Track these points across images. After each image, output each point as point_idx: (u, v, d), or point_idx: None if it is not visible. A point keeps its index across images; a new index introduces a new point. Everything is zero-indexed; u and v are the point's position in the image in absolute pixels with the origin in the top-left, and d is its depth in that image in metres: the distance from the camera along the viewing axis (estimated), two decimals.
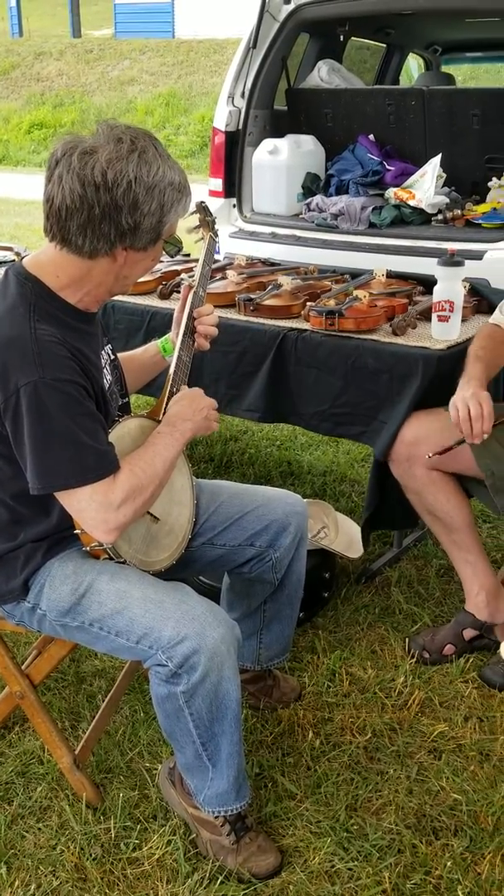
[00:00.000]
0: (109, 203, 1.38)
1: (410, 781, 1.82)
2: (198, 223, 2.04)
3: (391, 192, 3.90)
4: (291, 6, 3.96)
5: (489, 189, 3.96)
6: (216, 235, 2.05)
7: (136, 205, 1.40)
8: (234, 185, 4.11)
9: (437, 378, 2.22)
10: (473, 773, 1.84)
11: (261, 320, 2.50)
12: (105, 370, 1.59)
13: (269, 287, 2.65)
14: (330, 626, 2.35)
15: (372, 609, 2.43)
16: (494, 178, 3.97)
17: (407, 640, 2.27)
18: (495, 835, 1.69)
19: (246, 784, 1.62)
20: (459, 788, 1.80)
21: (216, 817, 1.61)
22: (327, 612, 2.41)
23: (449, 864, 1.62)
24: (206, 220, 2.04)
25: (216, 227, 2.09)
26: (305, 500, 2.59)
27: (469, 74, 13.08)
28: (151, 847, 1.66)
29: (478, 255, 3.55)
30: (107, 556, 1.52)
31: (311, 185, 4.13)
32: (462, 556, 2.24)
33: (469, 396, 1.97)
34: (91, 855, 1.66)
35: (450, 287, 2.29)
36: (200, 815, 1.63)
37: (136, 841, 1.68)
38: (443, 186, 4.00)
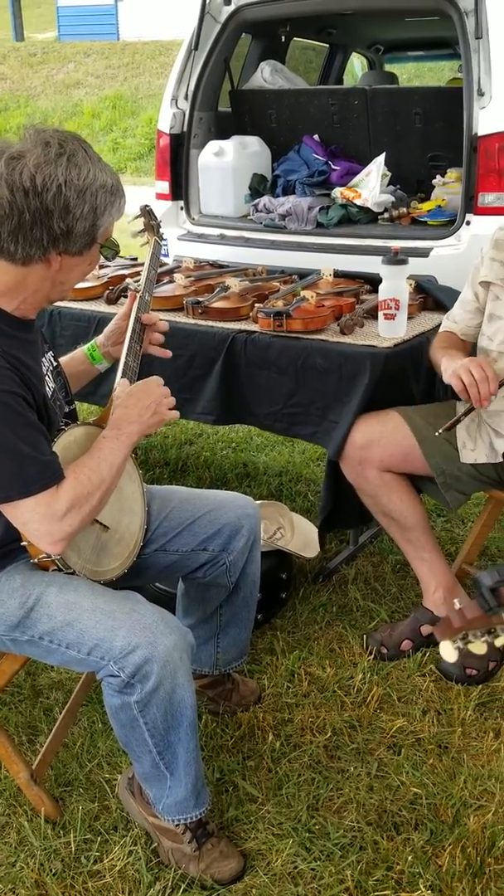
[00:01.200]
0: (39, 208, 1.36)
1: (371, 778, 1.83)
2: (142, 227, 2.03)
3: (337, 192, 3.93)
4: (232, 7, 3.96)
5: (433, 187, 4.01)
6: (161, 239, 2.05)
7: (68, 209, 1.38)
8: (181, 188, 4.10)
9: (385, 376, 2.24)
10: (432, 766, 1.86)
11: (209, 323, 2.49)
12: (47, 378, 1.57)
13: (217, 289, 2.65)
14: (288, 627, 2.35)
15: (330, 608, 2.44)
16: (438, 176, 4.02)
17: (365, 637, 2.28)
18: (455, 827, 1.70)
19: (205, 790, 1.61)
20: (419, 782, 1.82)
21: (176, 825, 1.60)
22: (285, 612, 2.41)
23: (410, 858, 1.63)
24: (151, 223, 2.03)
25: (161, 230, 2.08)
26: (261, 501, 2.61)
27: (414, 73, 13.22)
28: (112, 859, 1.65)
29: (424, 253, 3.60)
30: (55, 567, 1.50)
31: (258, 187, 4.14)
32: (418, 555, 2.26)
33: (467, 362, 1.97)
34: (51, 870, 1.63)
35: (395, 285, 2.31)
36: (161, 823, 1.62)
37: (97, 853, 1.67)
38: (388, 185, 4.04)
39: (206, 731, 1.95)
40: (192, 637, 1.53)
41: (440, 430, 2.05)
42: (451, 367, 2.00)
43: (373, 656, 2.21)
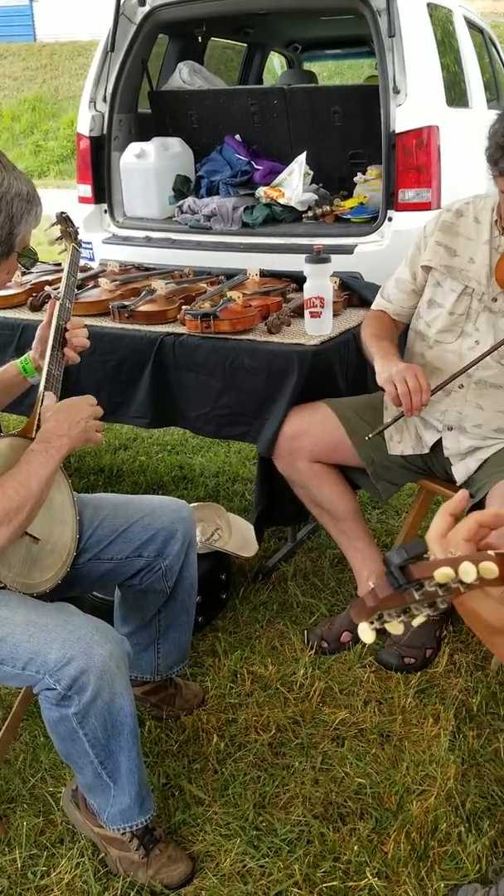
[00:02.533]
0: None
1: (316, 772, 1.86)
2: (59, 234, 2.01)
3: (261, 192, 3.96)
4: (147, 8, 3.95)
5: (355, 184, 4.07)
6: (80, 246, 2.03)
7: None
8: (103, 191, 4.07)
9: (312, 373, 2.27)
10: (375, 755, 1.89)
11: (137, 327, 2.48)
12: None
13: (143, 293, 2.63)
14: (230, 627, 2.36)
15: (270, 606, 2.45)
16: (359, 174, 4.09)
17: (305, 632, 2.30)
18: (399, 813, 1.74)
19: (149, 797, 1.61)
20: (363, 772, 1.84)
21: (123, 833, 1.59)
22: (226, 613, 2.42)
23: (356, 847, 1.66)
24: (68, 230, 2.00)
25: (79, 237, 2.06)
26: (197, 503, 2.61)
27: (334, 70, 13.35)
28: (60, 872, 1.63)
29: (349, 250, 3.65)
30: None
31: (182, 188, 4.14)
32: (350, 544, 2.30)
33: (402, 370, 1.96)
34: None
35: (319, 283, 2.33)
36: (106, 833, 1.61)
37: (44, 868, 1.65)
38: (311, 184, 4.08)
39: (149, 737, 1.95)
40: (128, 645, 1.52)
41: (369, 436, 2.08)
42: (385, 372, 1.98)
43: (314, 651, 2.23)
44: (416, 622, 0.84)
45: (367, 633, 0.82)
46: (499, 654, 0.92)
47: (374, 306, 2.31)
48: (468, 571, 0.80)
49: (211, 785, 1.83)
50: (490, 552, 0.88)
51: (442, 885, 1.58)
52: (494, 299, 2.00)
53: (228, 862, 1.64)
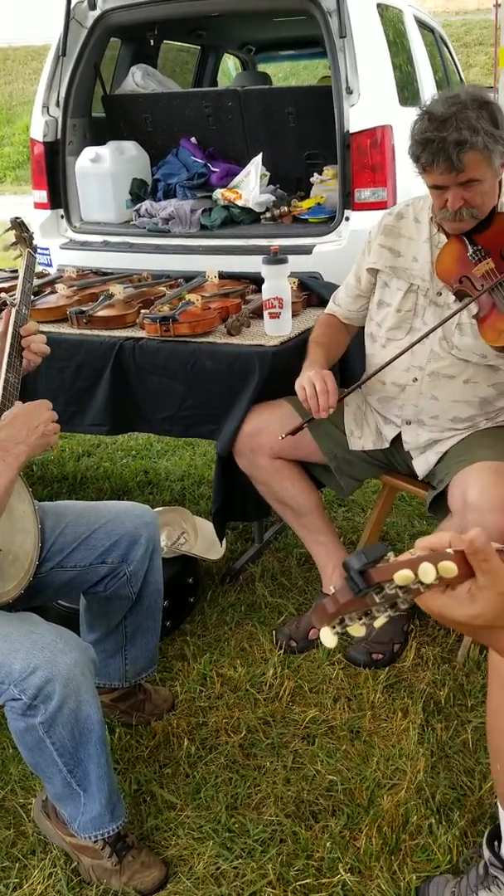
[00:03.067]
0: None
1: (287, 771, 1.86)
2: (14, 240, 1.99)
3: (218, 194, 3.95)
4: (97, 12, 3.93)
5: (312, 185, 4.09)
6: (35, 251, 2.01)
7: None
8: (59, 196, 4.04)
9: (273, 373, 2.27)
10: (346, 752, 1.90)
11: (95, 332, 2.47)
12: None
13: (101, 298, 2.62)
14: (198, 631, 2.35)
15: (238, 607, 2.46)
16: (316, 174, 4.10)
17: (274, 632, 2.31)
18: (370, 808, 1.75)
19: (120, 803, 1.60)
20: (334, 769, 1.86)
21: (95, 841, 1.58)
22: (194, 616, 2.42)
23: (329, 844, 1.67)
24: (23, 236, 1.99)
25: (35, 242, 2.05)
26: (162, 507, 2.61)
27: (290, 71, 13.39)
28: (33, 883, 1.62)
29: (307, 250, 3.67)
30: None
31: (139, 191, 4.12)
32: (314, 539, 2.31)
33: (312, 375, 2.05)
34: None
35: (277, 284, 2.34)
36: (78, 842, 1.60)
37: (17, 879, 1.63)
38: (268, 185, 4.09)
39: (120, 744, 1.94)
40: (93, 652, 1.51)
41: (282, 436, 2.11)
42: (302, 375, 2.08)
43: (283, 650, 2.24)
44: (378, 623, 0.85)
45: (329, 637, 0.82)
46: (485, 643, 0.95)
47: (326, 311, 2.36)
48: (427, 572, 0.81)
49: (182, 789, 1.82)
50: (449, 550, 0.88)
51: (414, 877, 1.59)
52: (439, 293, 2.04)
53: (202, 865, 1.64)
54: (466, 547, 0.87)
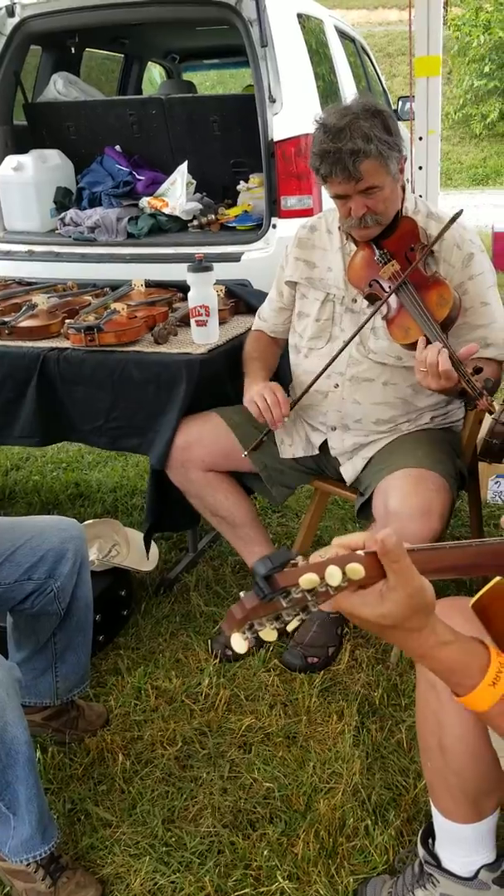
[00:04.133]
0: None
1: (224, 781, 1.85)
2: None
3: (145, 202, 3.94)
4: (16, 19, 3.88)
5: (239, 192, 4.11)
6: None
7: None
8: None
9: (201, 381, 2.27)
10: (282, 758, 1.90)
11: (18, 343, 2.42)
12: None
13: (24, 308, 2.58)
14: (132, 644, 2.32)
15: (173, 618, 2.44)
16: (242, 182, 4.12)
17: (209, 641, 2.30)
18: (307, 813, 1.75)
19: (52, 824, 1.57)
20: (271, 776, 1.85)
21: (27, 865, 1.54)
22: (128, 629, 2.39)
23: (266, 852, 1.66)
24: None
25: None
26: (93, 520, 2.57)
27: (217, 80, 13.44)
28: None
29: (236, 258, 3.68)
30: None
31: (63, 200, 4.08)
32: (249, 549, 2.31)
33: (260, 389, 2.08)
34: None
35: (202, 292, 2.34)
36: (10, 866, 1.56)
37: None
38: (195, 193, 4.10)
39: (52, 763, 1.90)
40: (18, 671, 1.48)
41: (245, 453, 2.13)
42: (248, 394, 2.11)
43: (218, 660, 2.23)
44: (291, 627, 0.85)
45: (239, 643, 0.82)
46: (393, 643, 0.96)
47: (253, 327, 2.39)
48: (333, 575, 0.82)
49: (118, 805, 1.80)
50: (360, 552, 0.89)
51: (351, 879, 1.60)
52: (354, 300, 2.08)
53: (139, 882, 1.61)
54: (378, 548, 0.88)
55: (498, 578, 1.19)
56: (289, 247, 2.23)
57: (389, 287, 1.95)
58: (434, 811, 1.43)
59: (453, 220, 1.96)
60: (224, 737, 1.98)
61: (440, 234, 1.96)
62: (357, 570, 0.84)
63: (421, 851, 1.50)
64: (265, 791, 1.82)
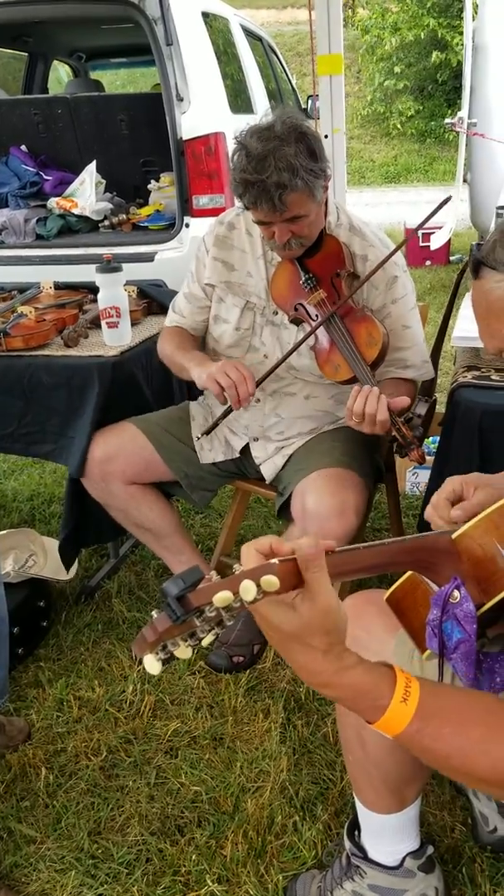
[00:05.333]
0: None
1: (150, 787, 1.83)
2: None
3: (53, 202, 3.87)
4: None
5: (150, 192, 4.08)
6: None
7: None
8: None
9: (115, 384, 2.23)
10: (209, 760, 1.89)
11: None
12: None
13: None
14: (53, 655, 2.27)
15: (95, 626, 2.39)
16: (153, 181, 4.09)
17: (133, 647, 2.26)
18: (235, 814, 1.74)
19: None
20: (198, 779, 1.84)
21: None
22: (48, 640, 2.33)
23: (195, 857, 1.65)
24: None
25: None
26: (7, 530, 2.51)
27: (128, 79, 13.31)
28: None
29: (149, 257, 3.65)
30: None
31: None
32: (176, 559, 2.28)
33: (222, 365, 1.89)
34: None
35: (112, 293, 2.30)
36: None
37: None
38: (105, 192, 4.04)
39: None
40: None
41: (199, 435, 2.06)
42: (205, 373, 1.90)
43: (143, 666, 2.19)
44: (206, 642, 0.83)
45: (152, 664, 0.80)
46: (291, 662, 0.92)
47: (167, 322, 2.25)
48: (248, 590, 0.80)
49: (42, 821, 1.75)
50: (273, 560, 0.88)
51: (281, 877, 1.60)
52: (275, 312, 2.02)
53: None
54: (297, 557, 0.87)
55: (410, 572, 1.21)
56: (206, 244, 2.11)
57: (316, 315, 1.91)
58: (358, 803, 1.44)
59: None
60: (150, 743, 1.95)
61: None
62: (272, 582, 0.82)
63: (347, 844, 1.51)
64: (193, 795, 1.80)
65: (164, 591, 0.78)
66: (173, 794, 1.81)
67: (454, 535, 1.11)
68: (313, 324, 1.91)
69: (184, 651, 0.81)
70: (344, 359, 1.86)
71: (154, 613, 0.81)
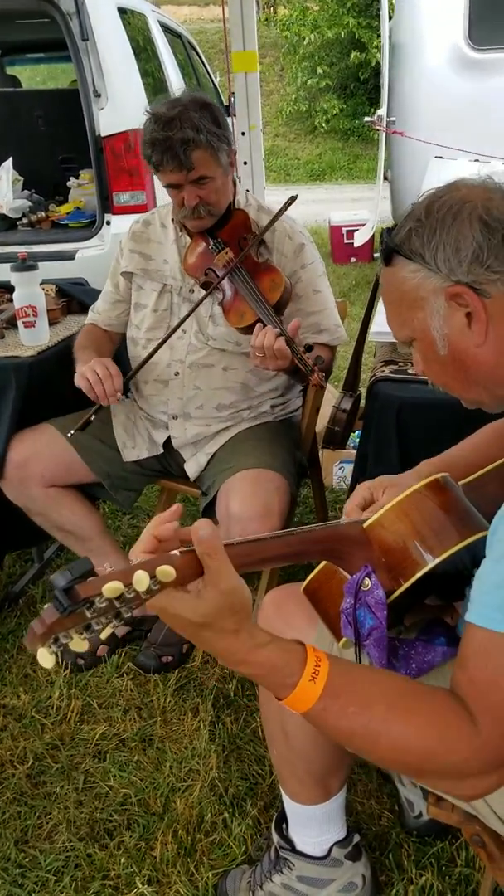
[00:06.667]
0: None
1: (79, 793, 1.80)
2: None
3: None
4: None
5: (69, 189, 4.02)
6: None
7: None
8: None
9: (32, 385, 2.19)
10: (138, 762, 1.87)
11: None
12: None
13: None
14: None
15: (19, 633, 2.34)
16: (72, 178, 4.03)
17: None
18: (165, 814, 1.73)
19: None
20: (127, 782, 1.82)
21: None
22: None
23: (124, 859, 1.63)
24: None
25: None
26: None
27: (48, 75, 13.07)
28: None
29: (70, 256, 3.60)
30: None
31: None
32: (100, 562, 2.24)
33: (92, 364, 2.00)
34: None
35: (28, 292, 2.26)
36: None
37: None
38: (22, 190, 3.96)
39: None
40: None
41: (71, 432, 2.05)
42: (78, 371, 2.03)
43: (69, 670, 2.16)
44: (105, 635, 0.82)
45: (45, 658, 0.79)
46: (207, 649, 0.92)
47: (87, 321, 2.32)
48: (141, 580, 0.80)
49: None
50: (176, 552, 0.87)
51: (211, 874, 1.60)
52: (191, 290, 2.08)
53: None
54: (194, 541, 0.87)
55: (325, 562, 1.22)
56: (123, 240, 2.21)
57: (222, 273, 1.98)
58: (284, 796, 1.45)
59: (288, 204, 1.99)
60: (77, 748, 1.92)
61: (276, 216, 2.01)
62: (168, 571, 0.82)
63: (275, 837, 1.52)
64: (122, 798, 1.78)
65: (51, 583, 0.77)
66: (102, 797, 1.79)
67: (365, 524, 1.13)
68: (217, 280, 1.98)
69: (78, 644, 0.80)
70: (248, 304, 1.94)
71: (46, 607, 0.80)
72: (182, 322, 2.01)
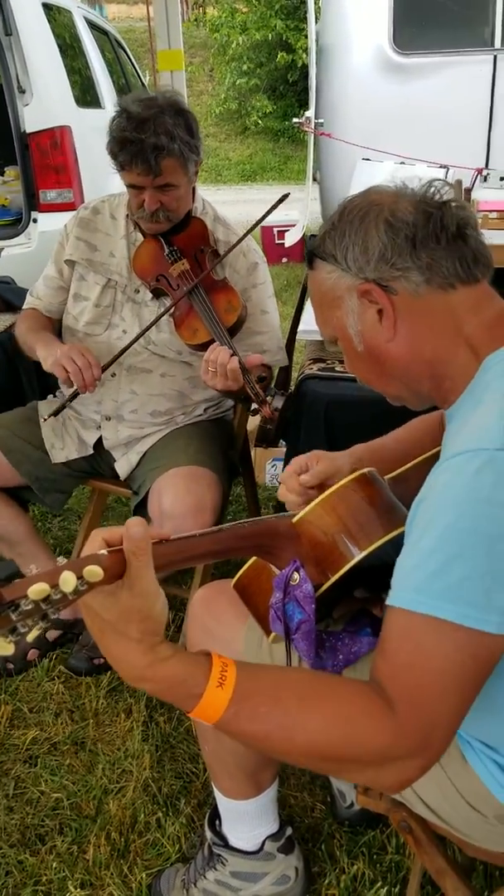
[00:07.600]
0: None
1: (9, 799, 1.77)
2: None
3: None
4: None
5: None
6: None
7: None
8: None
9: None
10: (70, 766, 1.85)
11: None
12: None
13: None
14: None
15: None
16: None
17: None
18: (97, 817, 1.72)
19: None
20: (59, 786, 1.80)
21: None
22: None
23: (56, 864, 1.61)
24: None
25: None
26: None
27: None
28: None
29: None
30: None
31: None
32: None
33: (67, 350, 1.91)
34: None
35: None
36: None
37: None
38: None
39: None
40: None
41: (46, 417, 2.02)
42: (51, 357, 1.93)
43: None
44: (31, 637, 0.81)
45: None
46: (109, 657, 0.91)
47: (25, 305, 2.24)
48: (67, 581, 0.79)
49: None
50: (104, 551, 0.87)
51: (145, 875, 1.59)
52: (137, 290, 2.04)
53: None
54: (124, 537, 0.87)
55: (255, 558, 1.23)
56: (68, 225, 2.12)
57: (178, 285, 1.94)
58: (216, 792, 1.45)
59: (280, 201, 1.95)
60: (8, 754, 1.89)
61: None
62: (95, 571, 0.81)
63: (208, 834, 1.52)
64: (53, 802, 1.76)
65: None
66: (33, 803, 1.76)
67: (294, 519, 1.14)
68: (175, 293, 1.95)
69: (3, 646, 0.79)
70: (202, 322, 1.91)
71: None
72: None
